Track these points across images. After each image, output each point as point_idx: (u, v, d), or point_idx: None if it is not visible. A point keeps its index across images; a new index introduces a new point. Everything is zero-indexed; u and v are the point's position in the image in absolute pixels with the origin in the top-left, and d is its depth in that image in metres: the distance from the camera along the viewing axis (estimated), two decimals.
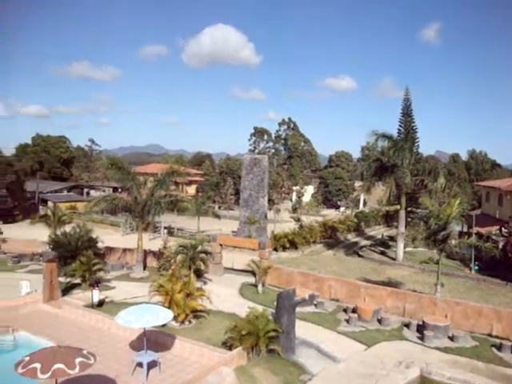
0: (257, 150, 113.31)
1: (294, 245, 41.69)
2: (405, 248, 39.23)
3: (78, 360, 11.52)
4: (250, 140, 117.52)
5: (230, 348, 17.46)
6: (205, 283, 27.62)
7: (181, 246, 28.95)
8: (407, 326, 21.69)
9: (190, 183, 79.06)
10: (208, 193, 73.73)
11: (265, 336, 17.15)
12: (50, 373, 10.92)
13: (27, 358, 11.33)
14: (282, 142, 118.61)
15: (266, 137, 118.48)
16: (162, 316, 15.71)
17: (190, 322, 20.85)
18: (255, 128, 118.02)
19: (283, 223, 53.64)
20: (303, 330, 19.82)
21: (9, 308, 22.04)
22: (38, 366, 10.92)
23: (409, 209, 40.78)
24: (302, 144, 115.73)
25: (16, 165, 63.89)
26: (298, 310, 19.36)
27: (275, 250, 38.81)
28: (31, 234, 39.79)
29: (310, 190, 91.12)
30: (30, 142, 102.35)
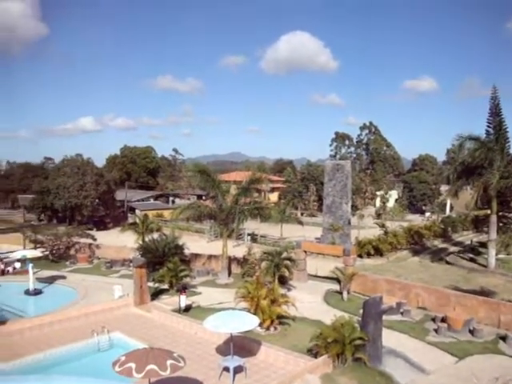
0: (338, 156, 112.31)
1: (378, 251, 40.85)
2: (497, 255, 37.23)
3: (169, 362, 11.92)
4: (330, 145, 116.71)
5: (316, 355, 17.33)
6: (289, 290, 27.67)
7: (265, 253, 29.19)
8: (503, 338, 20.30)
9: (272, 190, 79.64)
10: (290, 199, 73.87)
11: (351, 344, 16.86)
12: (144, 373, 11.40)
13: (123, 358, 11.89)
14: (364, 146, 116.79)
15: (347, 142, 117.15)
16: (248, 322, 15.91)
17: (275, 328, 20.93)
18: (336, 133, 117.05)
19: (367, 229, 52.75)
20: (390, 338, 19.28)
21: (104, 310, 23.30)
22: (133, 365, 11.43)
23: (500, 213, 38.74)
24: (385, 148, 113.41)
25: (107, 175, 67.01)
26: (384, 318, 18.90)
27: (359, 256, 38.21)
28: (121, 241, 41.56)
29: (393, 195, 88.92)
30: (118, 153, 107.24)
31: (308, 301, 25.58)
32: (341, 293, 27.00)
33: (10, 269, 34.22)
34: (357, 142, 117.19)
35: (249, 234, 48.44)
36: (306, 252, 31.28)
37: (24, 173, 79.26)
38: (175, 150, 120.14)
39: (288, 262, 28.55)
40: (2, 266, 34.40)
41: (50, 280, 31.32)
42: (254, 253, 31.42)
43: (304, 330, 20.50)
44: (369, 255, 40.15)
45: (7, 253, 36.00)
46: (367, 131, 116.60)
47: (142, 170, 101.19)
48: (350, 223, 44.76)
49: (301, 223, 53.07)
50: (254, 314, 18.74)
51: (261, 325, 19.61)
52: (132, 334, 20.44)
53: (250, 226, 46.31)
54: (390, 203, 79.91)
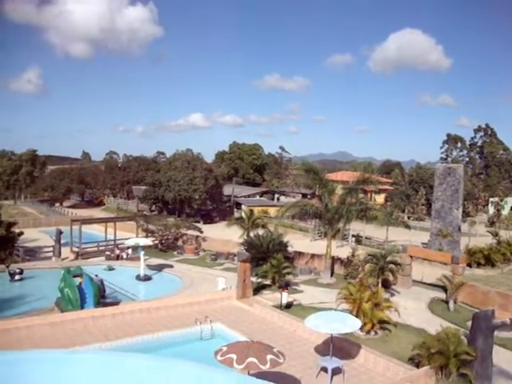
0: (449, 159, 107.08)
1: (489, 261, 38.47)
2: None
3: (269, 357, 12.11)
4: (441, 148, 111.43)
5: (418, 365, 16.74)
6: (392, 295, 26.94)
7: (370, 255, 28.65)
8: None
9: (378, 192, 77.83)
10: (397, 202, 71.73)
11: (456, 358, 16.08)
12: (244, 365, 11.66)
13: (225, 348, 12.26)
14: (477, 149, 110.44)
15: (459, 144, 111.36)
16: (349, 324, 15.73)
17: (375, 332, 20.50)
18: (448, 135, 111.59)
19: (478, 237, 49.85)
20: (502, 358, 18.05)
21: (207, 301, 24.14)
22: (234, 356, 11.75)
23: None
24: (501, 152, 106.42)
25: (215, 170, 69.08)
26: (495, 334, 17.76)
27: (469, 265, 36.25)
28: (227, 235, 42.69)
29: (509, 203, 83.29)
30: (227, 149, 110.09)
31: (411, 307, 24.77)
32: (447, 302, 25.83)
33: (124, 254, 36.46)
34: (470, 144, 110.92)
35: (353, 235, 47.71)
36: (411, 257, 30.28)
37: (139, 166, 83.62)
38: (282, 148, 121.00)
39: (393, 266, 27.79)
40: (118, 252, 36.77)
41: (159, 268, 32.97)
42: (358, 254, 30.95)
43: (406, 338, 19.91)
44: (479, 265, 37.92)
45: (123, 240, 38.36)
46: (482, 133, 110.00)
47: (249, 166, 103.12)
48: (460, 230, 42.62)
49: (407, 227, 51.37)
50: (356, 316, 18.47)
51: (361, 328, 19.29)
52: (233, 326, 20.97)
53: (355, 227, 45.59)
54: (506, 211, 74.96)
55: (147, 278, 30.38)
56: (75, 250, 37.80)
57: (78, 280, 23.79)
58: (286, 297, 23.93)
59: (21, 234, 37.03)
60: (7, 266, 30.29)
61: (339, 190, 32.65)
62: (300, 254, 35.33)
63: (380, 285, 26.13)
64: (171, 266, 33.64)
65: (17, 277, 29.47)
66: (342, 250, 36.76)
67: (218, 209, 66.51)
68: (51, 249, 36.41)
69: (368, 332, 20.26)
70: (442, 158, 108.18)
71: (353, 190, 31.17)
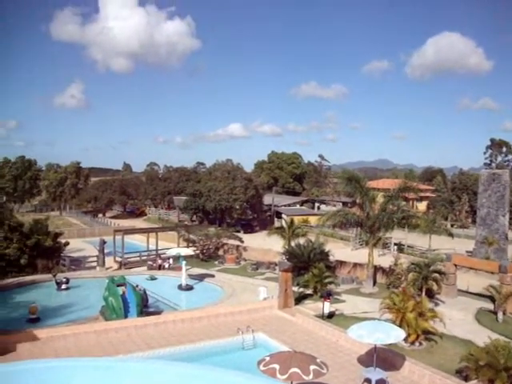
0: (494, 164, 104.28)
1: None
2: None
3: (312, 367, 12.01)
4: (485, 153, 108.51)
5: (466, 379, 16.19)
6: (436, 304, 26.33)
7: (413, 264, 28.15)
8: None
9: (420, 199, 76.44)
10: (440, 209, 70.30)
11: (507, 372, 15.52)
12: (287, 375, 11.60)
13: (267, 358, 12.23)
14: None
15: (504, 149, 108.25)
16: (393, 334, 15.43)
17: (420, 343, 20.05)
18: (492, 140, 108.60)
19: None
20: None
21: (249, 310, 24.14)
22: (276, 366, 11.70)
23: None
24: None
25: (255, 180, 69.33)
26: None
27: None
28: (267, 244, 42.73)
29: None
30: (266, 158, 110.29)
31: (457, 318, 24.16)
32: (495, 313, 25.04)
33: (166, 264, 36.89)
34: None
35: (395, 244, 46.98)
36: (456, 266, 29.57)
37: (179, 176, 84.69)
38: (321, 157, 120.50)
39: (437, 275, 27.21)
40: (160, 262, 37.25)
41: (200, 277, 33.19)
42: (401, 263, 30.44)
43: (452, 349, 19.42)
44: None
45: (164, 249, 38.85)
46: None
47: (288, 175, 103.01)
48: (507, 238, 41.43)
49: (451, 235, 50.24)
50: (399, 326, 18.10)
51: (406, 339, 18.90)
52: (275, 336, 20.89)
53: (397, 235, 44.89)
54: None
55: (189, 288, 30.62)
56: (118, 259, 38.51)
57: (121, 289, 24.20)
58: (328, 306, 23.72)
59: (67, 244, 37.97)
60: (54, 276, 31.07)
61: (380, 198, 32.25)
62: (342, 263, 35.02)
63: (424, 294, 25.61)
64: (212, 276, 33.83)
65: (63, 286, 30.19)
66: (384, 259, 36.23)
67: (258, 218, 66.66)
68: (95, 258, 37.20)
69: (412, 343, 19.83)
70: (485, 164, 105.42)
71: (394, 197, 30.76)
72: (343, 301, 27.41)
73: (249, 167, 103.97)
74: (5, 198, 58.94)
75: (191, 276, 32.78)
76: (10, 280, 31.38)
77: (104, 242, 36.84)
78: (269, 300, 26.13)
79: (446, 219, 71.20)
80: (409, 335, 19.34)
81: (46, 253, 34.70)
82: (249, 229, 60.94)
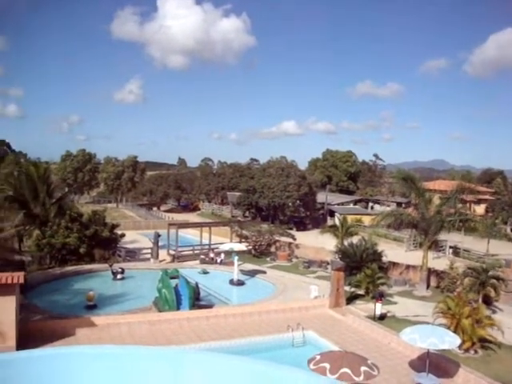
0: None
1: None
2: None
3: (362, 368, 11.91)
4: None
5: None
6: (494, 312, 25.44)
7: (470, 269, 27.35)
8: None
9: (478, 202, 74.04)
10: (499, 213, 67.85)
11: None
12: (338, 375, 11.56)
13: (318, 357, 12.21)
14: None
15: None
16: (447, 340, 15.05)
17: (475, 351, 19.40)
18: None
19: None
20: None
21: (300, 308, 24.17)
22: (327, 366, 11.68)
23: None
24: None
25: (309, 178, 69.00)
26: None
27: None
28: (320, 242, 42.46)
29: None
30: (320, 156, 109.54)
31: None
32: None
33: (218, 259, 37.32)
34: None
35: (451, 247, 45.74)
36: None
37: (233, 172, 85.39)
38: (376, 156, 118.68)
39: (495, 281, 26.30)
40: (212, 256, 37.75)
41: (252, 273, 33.40)
42: (457, 267, 29.63)
43: (510, 360, 18.72)
44: None
45: (217, 244, 39.31)
46: None
47: (342, 173, 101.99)
48: None
49: (511, 240, 48.54)
50: (454, 332, 17.63)
51: (460, 346, 18.38)
52: (325, 335, 20.81)
53: (453, 238, 43.70)
54: None
55: (240, 283, 30.87)
56: (172, 252, 39.24)
57: (174, 282, 24.70)
58: (379, 308, 23.39)
59: (123, 235, 39.01)
60: (110, 266, 32.02)
61: (436, 200, 31.50)
62: (394, 264, 34.41)
63: (481, 300, 24.84)
64: (264, 272, 33.98)
65: (119, 276, 31.09)
66: (439, 262, 35.31)
67: (311, 216, 66.38)
68: (150, 251, 38.04)
69: (467, 350, 19.24)
70: None
71: (451, 199, 29.97)
72: (395, 303, 26.95)
73: (303, 165, 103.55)
74: (66, 189, 61.18)
75: (243, 271, 33.04)
76: (70, 268, 32.60)
77: (158, 235, 37.63)
78: (320, 299, 26.02)
79: (506, 223, 68.68)
80: (463, 342, 18.74)
81: (103, 243, 35.80)
82: (301, 226, 60.71)
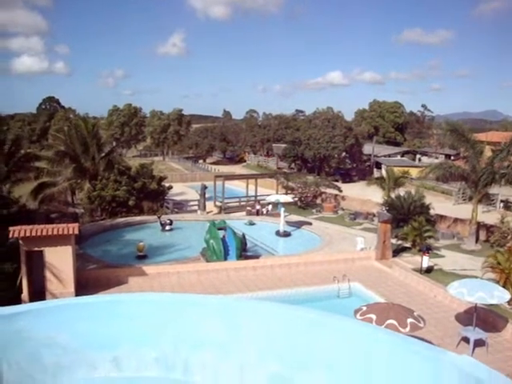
0: None
1: None
2: None
3: (409, 320, 12.00)
4: None
5: None
6: None
7: None
8: None
9: None
10: None
11: None
12: (383, 326, 11.67)
13: (364, 308, 12.37)
14: None
15: None
16: (496, 295, 14.82)
17: None
18: None
19: None
20: None
21: (346, 260, 24.32)
22: (373, 316, 11.82)
23: None
24: None
25: (355, 129, 67.90)
26: None
27: None
28: (366, 195, 42.19)
29: None
30: (366, 107, 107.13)
31: None
32: None
33: (264, 210, 37.68)
34: None
35: (502, 201, 44.58)
36: None
37: (278, 124, 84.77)
38: (424, 106, 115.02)
39: None
40: (258, 207, 38.10)
41: (298, 224, 33.60)
42: (508, 221, 28.95)
43: None
44: None
45: (263, 196, 39.60)
46: None
47: (389, 125, 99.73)
48: None
49: None
50: (503, 287, 17.39)
51: (509, 301, 18.14)
52: (371, 287, 20.94)
53: (505, 192, 42.53)
54: None
55: (286, 234, 31.17)
56: (218, 204, 39.80)
57: (222, 233, 25.18)
58: (426, 261, 23.20)
59: (170, 187, 39.75)
60: (159, 217, 32.85)
61: (488, 152, 30.52)
62: (442, 217, 33.91)
63: None
64: (310, 224, 34.10)
65: (167, 227, 31.89)
66: (488, 216, 34.51)
67: (357, 168, 65.71)
68: (197, 202, 38.70)
69: None
70: None
71: (504, 150, 28.96)
72: (442, 256, 26.66)
73: (349, 116, 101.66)
74: (114, 144, 62.40)
75: (289, 223, 33.24)
76: (120, 219, 33.63)
77: (205, 187, 38.13)
78: (366, 251, 26.04)
79: None
80: None
81: (151, 195, 36.63)
82: (347, 178, 60.19)
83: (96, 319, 6.02)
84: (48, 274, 18.43)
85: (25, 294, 18.07)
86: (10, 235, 17.77)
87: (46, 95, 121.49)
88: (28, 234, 17.67)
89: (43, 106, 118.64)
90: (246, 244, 26.82)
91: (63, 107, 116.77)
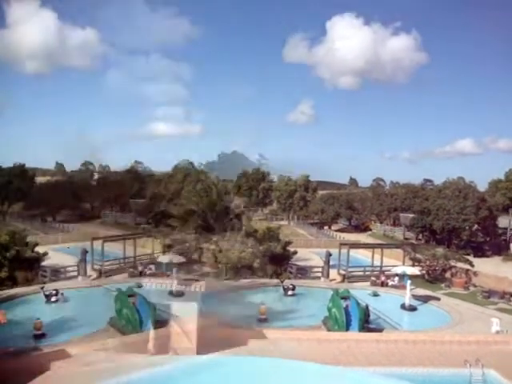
0: None
1: None
2: None
3: None
4: None
5: None
6: None
7: None
8: None
9: None
10: None
11: None
12: None
13: None
14: None
15: None
16: None
17: None
18: None
19: None
20: None
21: (479, 342, 22.31)
22: None
23: None
24: None
25: (489, 200, 64.29)
26: None
27: None
28: (502, 272, 39.27)
29: None
30: (502, 177, 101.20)
31: None
32: None
33: (390, 282, 36.38)
34: None
35: None
36: None
37: (406, 193, 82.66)
38: None
39: None
40: (383, 278, 36.92)
41: (424, 299, 31.97)
42: None
43: None
44: None
45: (389, 266, 38.41)
46: None
47: None
48: None
49: None
50: None
51: None
52: (510, 377, 18.93)
53: None
54: None
55: (412, 308, 29.73)
56: (342, 272, 39.18)
57: (345, 302, 24.66)
58: None
59: (295, 252, 40.03)
60: (282, 281, 33.02)
61: None
62: None
63: None
64: (438, 299, 32.28)
65: (289, 292, 31.91)
66: None
67: (490, 242, 61.69)
68: (320, 269, 38.46)
69: None
70: None
71: None
72: None
73: (482, 186, 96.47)
74: (242, 206, 64.67)
75: (415, 296, 31.70)
76: (244, 281, 34.31)
77: (329, 255, 37.90)
78: (502, 334, 23.83)
79: None
80: None
81: (275, 259, 37.10)
82: (479, 252, 56.62)
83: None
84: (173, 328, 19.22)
85: None
86: None
87: (182, 158, 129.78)
88: None
89: (178, 166, 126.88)
90: (369, 315, 25.91)
91: (195, 169, 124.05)
